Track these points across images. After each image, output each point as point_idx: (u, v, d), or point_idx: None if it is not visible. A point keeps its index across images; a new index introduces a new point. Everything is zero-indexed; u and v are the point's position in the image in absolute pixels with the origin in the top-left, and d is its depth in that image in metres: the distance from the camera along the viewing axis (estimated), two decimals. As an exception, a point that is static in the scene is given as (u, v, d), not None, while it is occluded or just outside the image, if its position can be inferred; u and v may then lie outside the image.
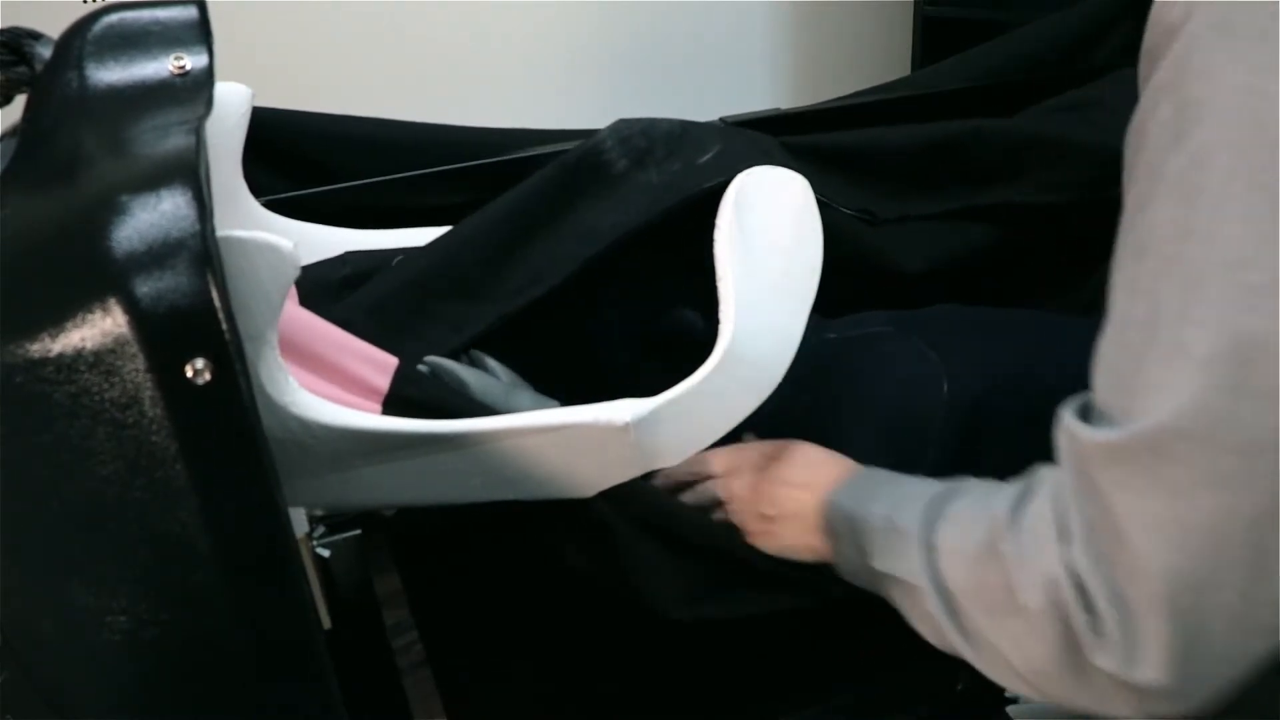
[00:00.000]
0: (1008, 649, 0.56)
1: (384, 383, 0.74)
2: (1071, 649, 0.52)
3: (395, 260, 0.90)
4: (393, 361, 0.75)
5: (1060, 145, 1.02)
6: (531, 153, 1.05)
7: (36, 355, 0.48)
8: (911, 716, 0.88)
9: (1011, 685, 0.59)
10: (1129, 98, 0.56)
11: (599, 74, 1.49)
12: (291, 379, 0.63)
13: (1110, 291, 0.54)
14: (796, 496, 0.74)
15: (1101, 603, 0.50)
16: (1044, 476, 0.57)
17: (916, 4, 1.47)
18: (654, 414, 0.68)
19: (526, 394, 0.86)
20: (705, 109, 1.09)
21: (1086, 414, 0.53)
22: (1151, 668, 0.49)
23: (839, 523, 0.71)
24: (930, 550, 0.61)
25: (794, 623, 0.84)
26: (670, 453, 0.71)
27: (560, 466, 0.71)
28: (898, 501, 0.66)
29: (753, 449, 0.80)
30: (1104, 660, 0.50)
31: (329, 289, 0.88)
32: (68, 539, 0.52)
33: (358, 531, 0.90)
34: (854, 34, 1.61)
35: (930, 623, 0.63)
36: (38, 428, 0.50)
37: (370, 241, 0.96)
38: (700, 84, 1.55)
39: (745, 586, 0.80)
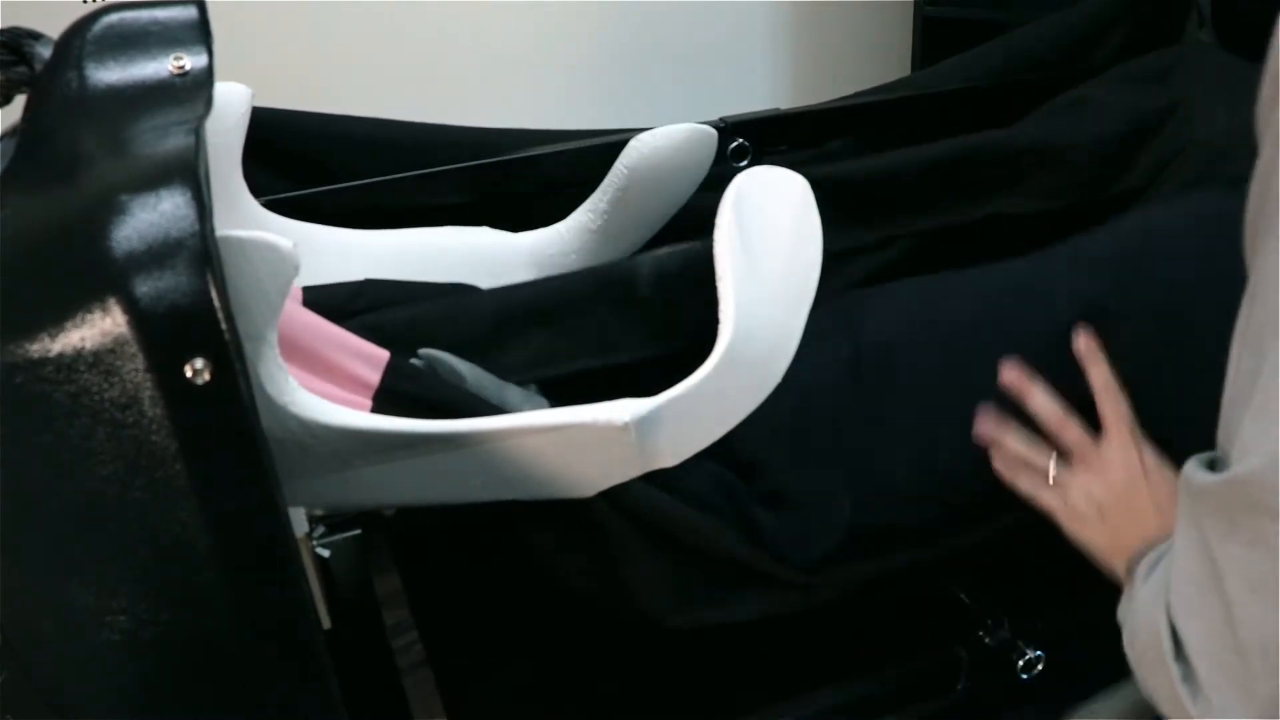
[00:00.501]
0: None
1: (375, 377, 0.74)
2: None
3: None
4: (384, 355, 0.75)
5: (1058, 149, 1.02)
6: (531, 153, 1.05)
7: (36, 355, 0.48)
8: (911, 716, 0.88)
9: None
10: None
11: (599, 74, 1.49)
12: (291, 379, 0.63)
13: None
14: (1145, 520, 0.68)
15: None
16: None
17: (916, 4, 1.47)
18: (654, 414, 0.68)
19: (515, 390, 0.86)
20: (705, 109, 1.09)
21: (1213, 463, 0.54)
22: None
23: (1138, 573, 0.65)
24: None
25: (794, 623, 0.84)
26: (670, 452, 0.71)
27: (560, 466, 0.71)
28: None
29: (1147, 448, 0.71)
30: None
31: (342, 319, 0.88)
32: (68, 539, 0.52)
33: (358, 531, 0.89)
34: (854, 34, 1.61)
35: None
36: (37, 427, 0.50)
37: (370, 241, 0.96)
38: (700, 84, 1.55)
39: (739, 589, 0.80)
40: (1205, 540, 0.52)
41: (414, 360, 0.82)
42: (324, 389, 0.70)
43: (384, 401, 0.73)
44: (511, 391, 0.85)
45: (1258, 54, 0.54)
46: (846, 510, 0.81)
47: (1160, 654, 0.55)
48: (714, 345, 0.70)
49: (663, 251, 0.95)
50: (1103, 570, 0.70)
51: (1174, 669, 0.53)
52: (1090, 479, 0.71)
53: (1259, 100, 0.53)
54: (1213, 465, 0.54)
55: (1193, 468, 0.54)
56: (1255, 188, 0.53)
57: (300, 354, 0.70)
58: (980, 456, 0.75)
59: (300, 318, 0.73)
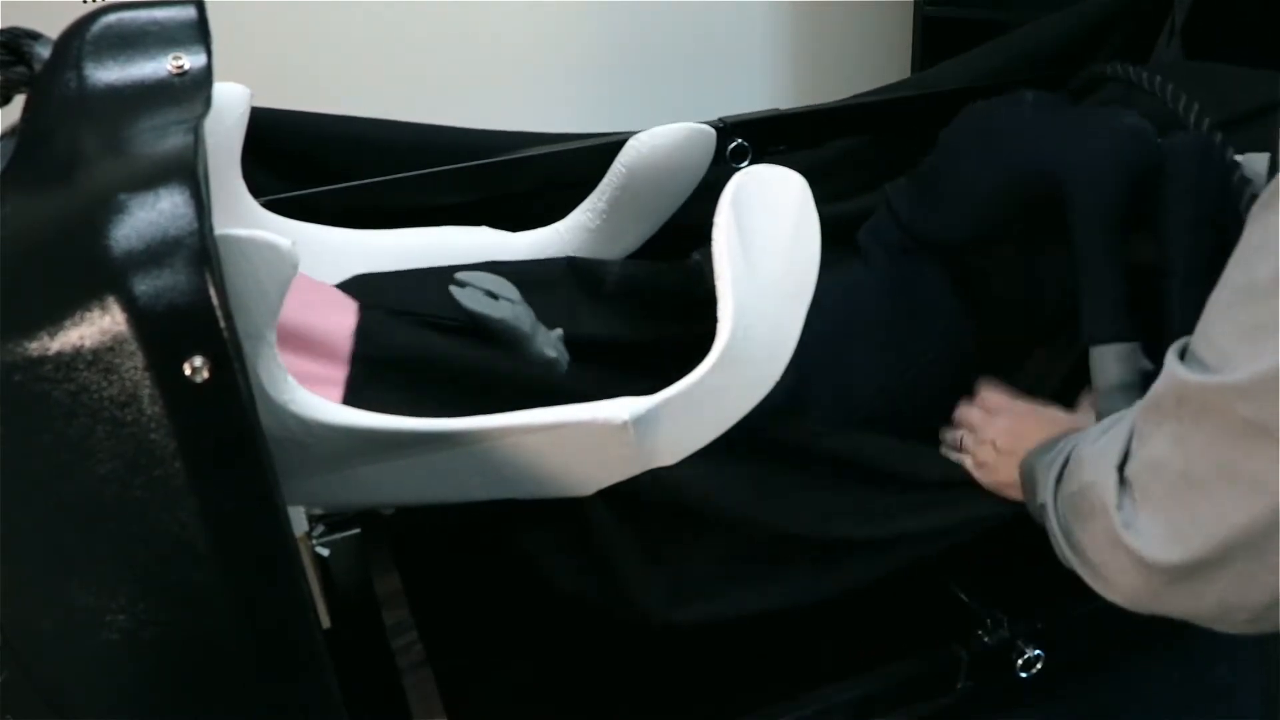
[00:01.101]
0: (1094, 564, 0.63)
1: (346, 346, 0.75)
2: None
3: None
4: (351, 317, 0.77)
5: None
6: (531, 153, 1.05)
7: (35, 353, 0.48)
8: (911, 716, 0.88)
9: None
10: None
11: (599, 74, 1.49)
12: (290, 378, 0.63)
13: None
14: (1033, 442, 0.77)
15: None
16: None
17: (916, 4, 1.47)
18: (652, 412, 0.68)
19: (545, 332, 0.88)
20: (705, 109, 1.09)
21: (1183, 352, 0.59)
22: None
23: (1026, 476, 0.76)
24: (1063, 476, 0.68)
25: (794, 623, 0.84)
26: (669, 450, 0.71)
27: (559, 465, 0.71)
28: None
29: (1021, 399, 0.85)
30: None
31: None
32: (67, 538, 0.52)
33: (357, 531, 0.89)
34: (854, 34, 1.61)
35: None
36: (37, 426, 0.50)
37: (369, 241, 0.96)
38: (700, 84, 1.55)
39: (734, 582, 0.80)
40: (1180, 424, 0.56)
41: (452, 286, 0.84)
42: (301, 366, 0.71)
43: (360, 367, 0.74)
44: (542, 333, 0.87)
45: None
46: None
47: (1105, 501, 0.59)
48: (712, 344, 0.70)
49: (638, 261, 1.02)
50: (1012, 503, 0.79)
51: (1115, 516, 0.59)
52: (985, 434, 0.83)
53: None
54: (1183, 354, 0.59)
55: (1174, 360, 0.58)
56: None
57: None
58: None
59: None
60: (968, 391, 0.89)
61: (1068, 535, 0.65)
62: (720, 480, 0.79)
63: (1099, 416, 0.78)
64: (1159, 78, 0.93)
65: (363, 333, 0.77)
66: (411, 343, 0.80)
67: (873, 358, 0.95)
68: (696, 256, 0.96)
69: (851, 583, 0.84)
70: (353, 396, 0.73)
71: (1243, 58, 0.98)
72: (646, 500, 0.75)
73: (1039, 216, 0.89)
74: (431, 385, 0.77)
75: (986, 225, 0.95)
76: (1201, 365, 0.55)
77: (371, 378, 0.75)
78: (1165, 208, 0.81)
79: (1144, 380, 0.79)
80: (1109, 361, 0.81)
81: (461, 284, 0.87)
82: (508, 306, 0.85)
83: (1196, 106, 0.87)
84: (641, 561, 0.78)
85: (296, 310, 0.73)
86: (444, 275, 0.89)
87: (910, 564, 0.84)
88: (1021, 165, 0.90)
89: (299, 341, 0.73)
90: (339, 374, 0.74)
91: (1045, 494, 0.69)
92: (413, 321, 0.84)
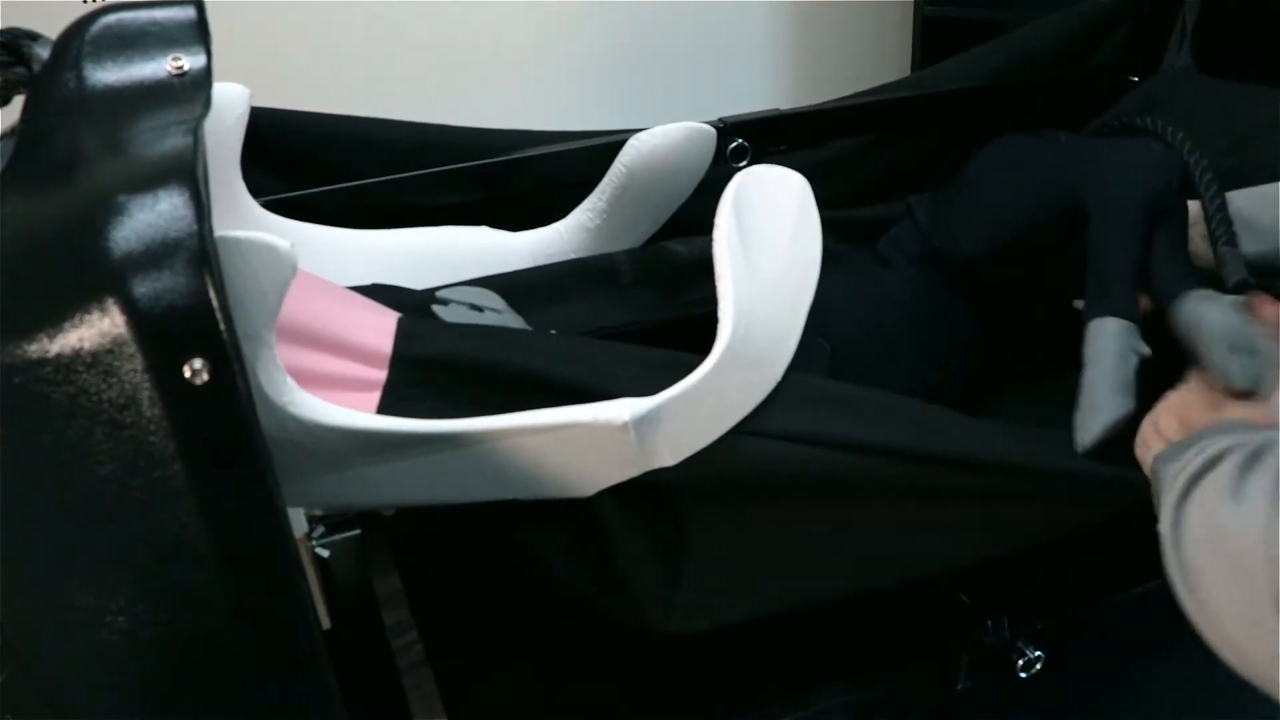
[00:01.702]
0: (1210, 610, 0.57)
1: (387, 346, 0.74)
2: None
3: None
4: (392, 324, 0.75)
5: None
6: (531, 153, 1.05)
7: (35, 355, 0.48)
8: (912, 716, 0.88)
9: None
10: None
11: (599, 74, 1.49)
12: (289, 379, 0.63)
13: None
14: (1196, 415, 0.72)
15: None
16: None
17: (916, 4, 1.47)
18: (653, 412, 0.68)
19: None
20: (705, 109, 1.09)
21: None
22: None
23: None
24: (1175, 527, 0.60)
25: (793, 623, 0.84)
26: (669, 451, 0.71)
27: (559, 465, 0.71)
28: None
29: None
30: None
31: None
32: (67, 539, 0.52)
33: (358, 531, 0.89)
34: (854, 34, 1.61)
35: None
36: (36, 428, 0.50)
37: (369, 241, 0.96)
38: (700, 84, 1.55)
39: (735, 594, 0.80)
40: None
41: (435, 305, 0.83)
42: (339, 368, 0.70)
43: (401, 370, 0.73)
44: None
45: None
46: None
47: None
48: (714, 341, 0.70)
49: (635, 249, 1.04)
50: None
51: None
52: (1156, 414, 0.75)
53: None
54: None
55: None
56: None
57: (311, 337, 0.70)
58: None
59: (311, 302, 0.72)
60: (979, 405, 0.88)
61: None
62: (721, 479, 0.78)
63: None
64: (1170, 128, 0.92)
65: (404, 333, 0.77)
66: (456, 342, 0.80)
67: (900, 366, 0.96)
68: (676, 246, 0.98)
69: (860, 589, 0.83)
70: (391, 397, 0.73)
71: (1250, 63, 0.99)
72: (647, 500, 0.75)
73: (1061, 237, 0.90)
74: (473, 385, 0.77)
75: (1009, 244, 0.95)
76: None
77: (412, 379, 0.75)
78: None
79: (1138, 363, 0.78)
80: (1106, 337, 0.80)
81: (445, 301, 0.87)
82: (493, 316, 0.85)
83: (1205, 163, 0.88)
84: (643, 567, 0.78)
85: (333, 312, 0.73)
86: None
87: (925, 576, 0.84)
88: (1048, 182, 0.91)
89: (336, 345, 0.73)
90: (378, 376, 0.74)
91: (1164, 521, 0.61)
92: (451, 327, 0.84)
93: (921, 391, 0.94)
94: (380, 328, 0.75)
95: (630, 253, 1.03)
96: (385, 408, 0.72)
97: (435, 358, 0.75)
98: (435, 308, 0.86)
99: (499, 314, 0.86)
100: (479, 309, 0.86)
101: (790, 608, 0.82)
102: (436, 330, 0.80)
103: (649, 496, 0.75)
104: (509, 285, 0.96)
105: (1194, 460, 0.61)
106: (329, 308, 0.74)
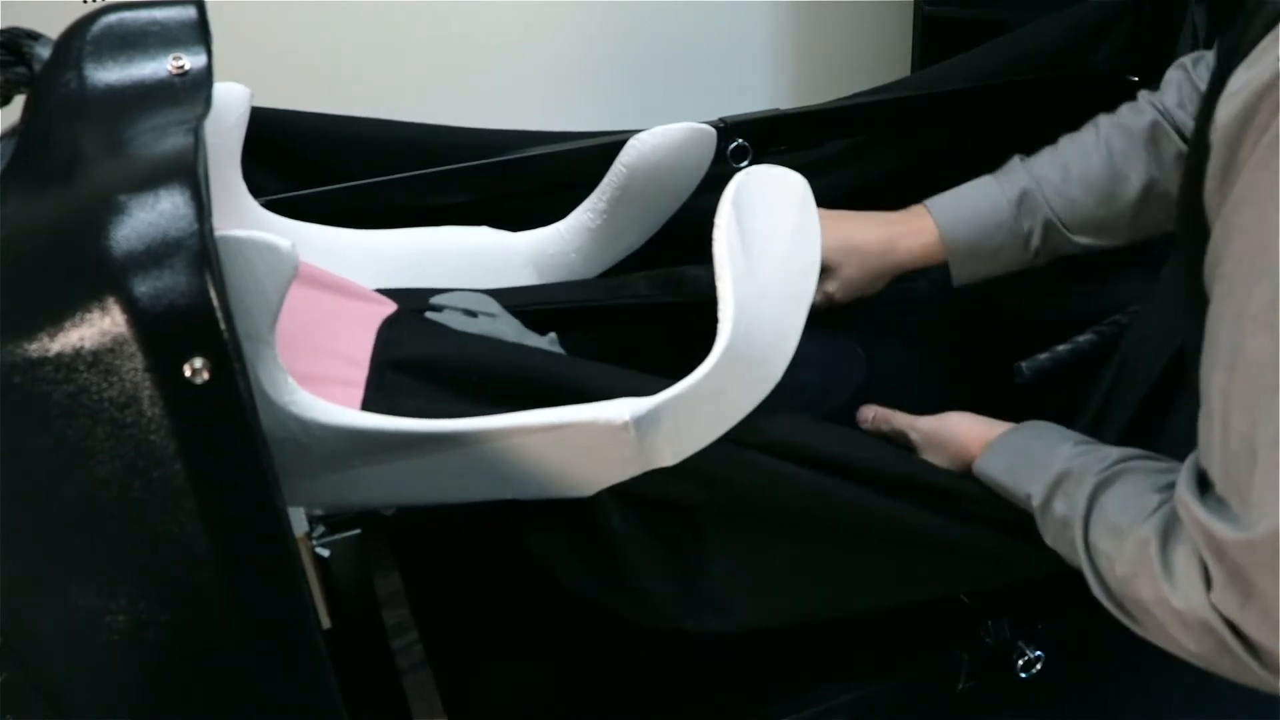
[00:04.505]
0: (1167, 641, 0.63)
1: (366, 356, 0.74)
2: (1229, 655, 0.59)
3: None
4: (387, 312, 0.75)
5: None
6: (531, 153, 1.05)
7: (35, 355, 0.48)
8: (912, 716, 0.88)
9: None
10: None
11: (599, 74, 1.49)
12: (290, 379, 0.63)
13: (1203, 371, 0.58)
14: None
15: (1255, 631, 0.57)
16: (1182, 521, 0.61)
17: (916, 4, 1.47)
18: (653, 412, 0.68)
19: (535, 338, 0.88)
20: (705, 109, 1.09)
21: (1201, 485, 0.60)
22: None
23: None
24: (1090, 547, 0.67)
25: (794, 624, 0.84)
26: (670, 451, 0.71)
27: (559, 465, 0.71)
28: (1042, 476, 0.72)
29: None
30: (1258, 668, 0.58)
31: None
32: (67, 539, 0.52)
33: (358, 531, 0.89)
34: (854, 34, 1.61)
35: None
36: (36, 427, 0.50)
37: (369, 241, 0.96)
38: (700, 84, 1.55)
39: (751, 596, 0.80)
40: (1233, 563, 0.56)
41: (429, 312, 0.83)
42: (321, 369, 0.71)
43: (381, 373, 0.73)
44: (530, 338, 0.87)
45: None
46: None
47: (1211, 631, 0.59)
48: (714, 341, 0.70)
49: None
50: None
51: (1235, 643, 0.58)
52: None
53: (1235, 116, 0.54)
54: (1202, 482, 0.59)
55: (1199, 507, 0.58)
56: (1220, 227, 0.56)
57: (296, 342, 0.70)
58: None
59: (298, 305, 0.73)
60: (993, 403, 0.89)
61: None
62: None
63: None
64: None
65: (383, 335, 0.77)
66: (432, 343, 0.80)
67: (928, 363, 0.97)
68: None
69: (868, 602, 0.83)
70: (372, 396, 0.73)
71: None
72: (649, 500, 0.75)
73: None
74: (453, 385, 0.77)
75: None
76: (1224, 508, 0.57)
77: (389, 380, 0.75)
78: None
79: None
80: None
81: (439, 308, 0.87)
82: (487, 322, 0.85)
83: None
84: (649, 564, 0.78)
85: (322, 314, 0.74)
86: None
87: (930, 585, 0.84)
88: None
89: (320, 345, 0.73)
90: (360, 375, 0.74)
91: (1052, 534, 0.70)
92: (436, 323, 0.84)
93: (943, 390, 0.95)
94: (366, 326, 0.75)
95: (648, 277, 1.02)
96: (367, 406, 0.73)
97: (411, 359, 0.75)
98: (429, 315, 0.86)
99: (493, 319, 0.86)
100: (473, 314, 0.86)
101: (804, 618, 0.82)
102: (415, 334, 0.81)
103: (650, 495, 0.75)
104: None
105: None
106: (318, 306, 0.74)
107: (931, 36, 1.46)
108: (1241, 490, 0.56)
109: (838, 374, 0.96)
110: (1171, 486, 0.63)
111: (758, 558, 0.80)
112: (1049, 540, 0.72)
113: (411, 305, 0.87)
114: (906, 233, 0.94)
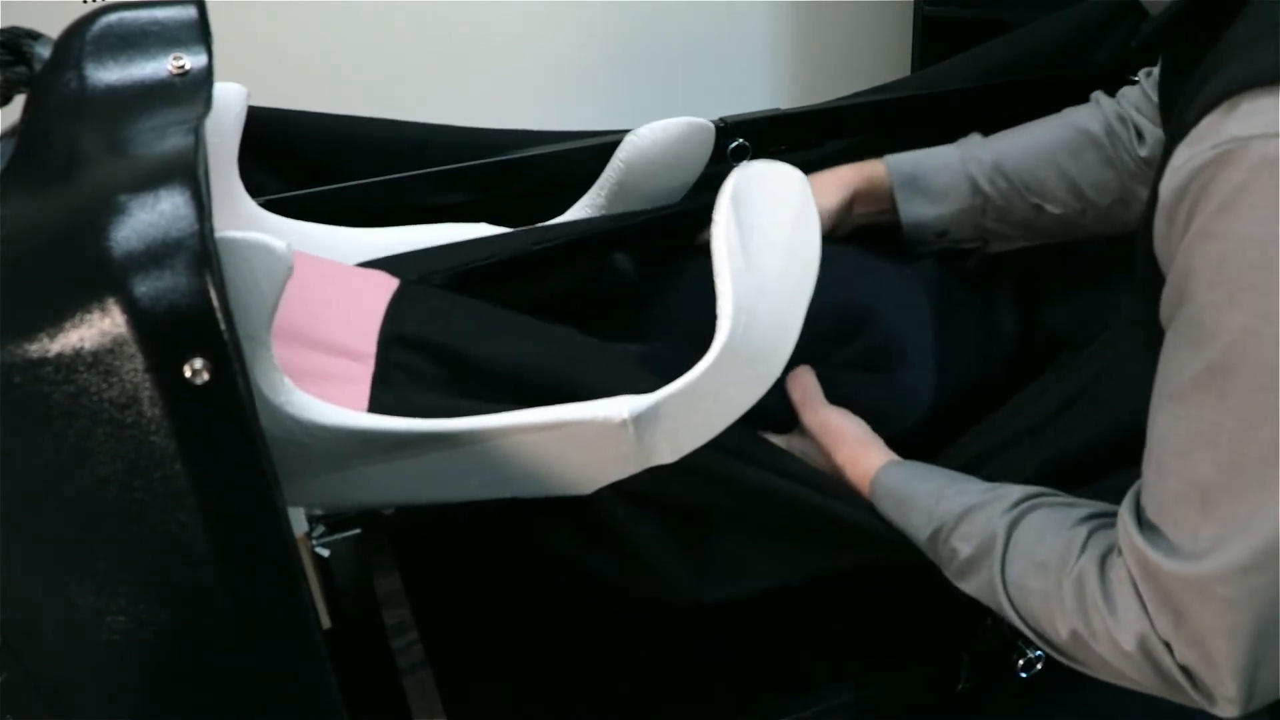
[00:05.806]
0: (1104, 670, 0.66)
1: (371, 346, 0.74)
2: (1164, 677, 0.61)
3: None
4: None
5: None
6: (531, 153, 1.05)
7: (35, 355, 0.48)
8: (912, 716, 0.88)
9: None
10: None
11: (598, 74, 1.49)
12: (287, 379, 0.63)
13: (1152, 402, 0.60)
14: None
15: (1187, 656, 0.59)
16: (1118, 546, 0.63)
17: (916, 4, 1.47)
18: (652, 409, 0.68)
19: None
20: (705, 109, 1.09)
21: (1139, 515, 0.61)
22: (1229, 703, 0.59)
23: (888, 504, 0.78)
24: (1008, 584, 0.69)
25: (794, 622, 0.84)
26: (669, 448, 0.71)
27: (559, 463, 0.71)
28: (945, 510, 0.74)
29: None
30: (1192, 692, 0.60)
31: None
32: (67, 539, 0.53)
33: (358, 531, 0.89)
34: (854, 34, 1.61)
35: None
36: (36, 428, 0.50)
37: (368, 241, 0.96)
38: (700, 84, 1.55)
39: (758, 559, 0.80)
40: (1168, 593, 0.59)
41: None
42: (321, 365, 0.71)
43: (389, 349, 0.74)
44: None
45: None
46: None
47: (1147, 651, 0.61)
48: (713, 338, 0.70)
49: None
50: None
51: (1170, 662, 0.61)
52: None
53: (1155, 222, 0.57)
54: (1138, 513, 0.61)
55: (1142, 541, 0.60)
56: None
57: (295, 338, 0.70)
58: None
59: (297, 296, 0.72)
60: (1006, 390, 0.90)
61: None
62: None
63: None
64: None
65: (393, 309, 0.78)
66: (445, 326, 0.80)
67: (963, 355, 0.97)
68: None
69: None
70: (377, 392, 0.73)
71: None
72: (650, 498, 0.75)
73: None
74: (457, 375, 0.77)
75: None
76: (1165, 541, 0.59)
77: (395, 358, 0.76)
78: None
79: None
80: None
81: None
82: None
83: None
84: (659, 547, 0.78)
85: (319, 306, 0.73)
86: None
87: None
88: None
89: (319, 340, 0.73)
90: (363, 371, 0.74)
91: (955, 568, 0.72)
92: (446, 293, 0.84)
93: (977, 383, 0.96)
94: (370, 313, 0.75)
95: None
96: (374, 397, 0.73)
97: (425, 339, 0.76)
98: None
99: None
100: None
101: (808, 575, 0.82)
102: (423, 306, 0.81)
103: (651, 492, 0.75)
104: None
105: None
106: (317, 297, 0.74)
107: (931, 36, 1.46)
108: (1178, 523, 0.58)
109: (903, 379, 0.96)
110: (1088, 519, 0.66)
111: (758, 534, 0.80)
112: (950, 575, 0.74)
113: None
114: (859, 168, 1.01)
